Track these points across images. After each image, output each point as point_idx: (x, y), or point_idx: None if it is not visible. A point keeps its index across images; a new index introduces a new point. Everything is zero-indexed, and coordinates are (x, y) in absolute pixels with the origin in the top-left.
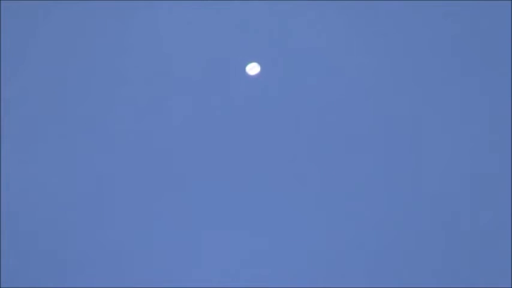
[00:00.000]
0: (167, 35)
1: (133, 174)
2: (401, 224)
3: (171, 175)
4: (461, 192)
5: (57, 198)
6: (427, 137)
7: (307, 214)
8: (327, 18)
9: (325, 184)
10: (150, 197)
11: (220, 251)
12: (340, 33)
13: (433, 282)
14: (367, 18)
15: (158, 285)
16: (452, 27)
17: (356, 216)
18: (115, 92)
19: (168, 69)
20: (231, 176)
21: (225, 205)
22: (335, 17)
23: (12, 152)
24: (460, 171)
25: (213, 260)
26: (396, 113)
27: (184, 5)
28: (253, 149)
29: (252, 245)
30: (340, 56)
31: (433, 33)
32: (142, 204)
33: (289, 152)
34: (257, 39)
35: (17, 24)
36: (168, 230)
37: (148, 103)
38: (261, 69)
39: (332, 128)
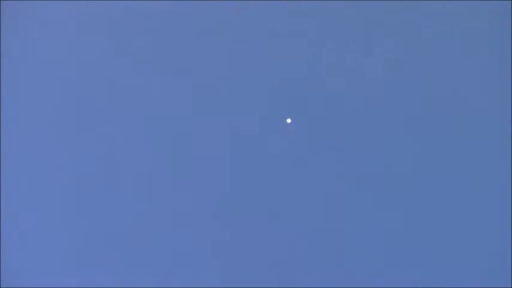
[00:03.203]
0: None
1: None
2: (401, 224)
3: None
4: (462, 191)
5: (57, 198)
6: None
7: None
8: None
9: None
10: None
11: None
12: None
13: (432, 282)
14: None
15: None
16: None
17: (355, 217)
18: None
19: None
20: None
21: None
22: None
23: (12, 151)
24: (462, 169)
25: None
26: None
27: None
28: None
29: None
30: None
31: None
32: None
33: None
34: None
35: (17, 24)
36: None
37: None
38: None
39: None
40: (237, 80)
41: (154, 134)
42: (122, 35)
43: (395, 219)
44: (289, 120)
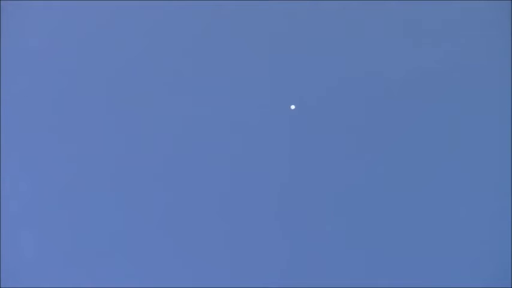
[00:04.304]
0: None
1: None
2: (401, 223)
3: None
4: (462, 190)
5: (57, 198)
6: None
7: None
8: None
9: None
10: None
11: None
12: None
13: (432, 282)
14: None
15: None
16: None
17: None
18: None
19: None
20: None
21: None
22: None
23: (12, 151)
24: (463, 168)
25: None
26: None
27: None
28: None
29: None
30: None
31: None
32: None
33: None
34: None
35: (17, 24)
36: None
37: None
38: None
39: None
40: (237, 79)
41: (156, 134)
42: (123, 34)
43: (395, 219)
44: (293, 107)
